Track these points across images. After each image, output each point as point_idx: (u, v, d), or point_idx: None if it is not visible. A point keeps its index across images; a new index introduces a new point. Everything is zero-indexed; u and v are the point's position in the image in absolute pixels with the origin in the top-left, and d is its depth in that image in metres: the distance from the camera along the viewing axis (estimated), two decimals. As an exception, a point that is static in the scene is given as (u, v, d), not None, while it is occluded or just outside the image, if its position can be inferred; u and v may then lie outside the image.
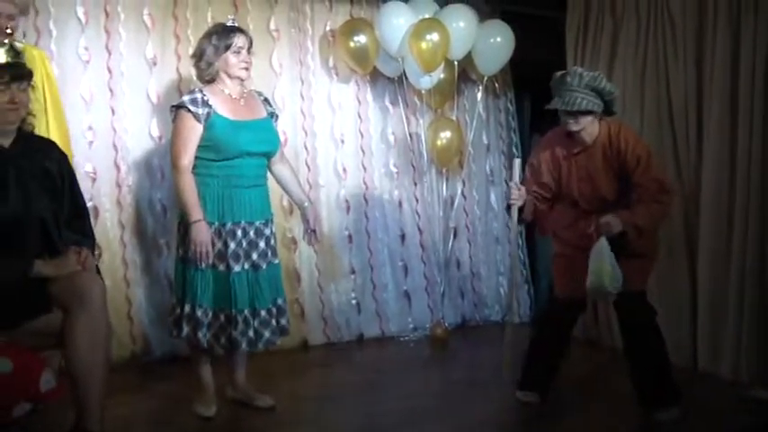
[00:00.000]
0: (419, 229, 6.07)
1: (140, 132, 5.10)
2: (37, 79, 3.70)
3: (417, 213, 6.06)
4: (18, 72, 3.31)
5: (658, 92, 5.10)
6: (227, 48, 4.03)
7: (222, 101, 4.02)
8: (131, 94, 5.07)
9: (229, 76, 4.07)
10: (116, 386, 3.59)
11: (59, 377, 3.17)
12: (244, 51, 4.06)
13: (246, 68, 4.09)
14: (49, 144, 3.60)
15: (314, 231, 4.33)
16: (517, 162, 4.11)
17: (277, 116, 4.31)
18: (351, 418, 4.14)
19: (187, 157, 3.94)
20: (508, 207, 4.10)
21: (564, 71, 3.95)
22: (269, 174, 4.25)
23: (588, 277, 3.84)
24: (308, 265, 5.63)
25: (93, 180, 4.91)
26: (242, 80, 4.11)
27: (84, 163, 4.88)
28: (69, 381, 3.15)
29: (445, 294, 6.01)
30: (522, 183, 4.09)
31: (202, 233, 3.88)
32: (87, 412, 3.13)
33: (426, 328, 5.90)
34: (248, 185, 4.03)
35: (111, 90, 5.01)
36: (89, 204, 4.56)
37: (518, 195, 4.01)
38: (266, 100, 4.29)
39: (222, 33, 4.07)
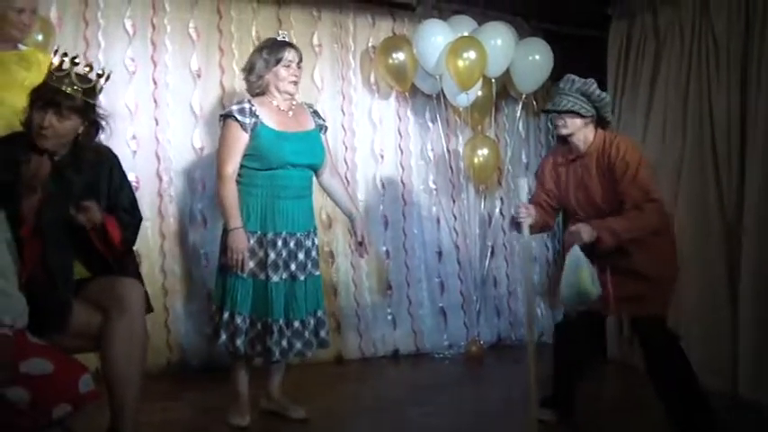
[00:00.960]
0: (456, 246, 6.06)
1: (183, 143, 5.16)
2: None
3: (455, 230, 6.05)
4: (56, 99, 3.20)
5: (701, 115, 5.05)
6: (278, 61, 4.09)
7: (270, 112, 4.07)
8: (175, 105, 5.14)
9: (278, 89, 4.11)
10: (151, 393, 3.62)
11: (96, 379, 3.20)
12: (294, 65, 4.12)
13: (295, 82, 4.14)
14: (105, 152, 3.53)
15: (362, 243, 4.34)
16: (524, 182, 4.07)
17: (326, 128, 4.33)
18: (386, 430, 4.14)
19: (231, 166, 3.98)
20: (516, 224, 4.02)
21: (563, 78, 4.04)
22: (316, 186, 4.27)
23: (562, 290, 3.80)
24: (345, 279, 5.65)
25: (136, 189, 4.91)
26: (290, 95, 4.15)
27: (127, 172, 4.89)
28: (105, 384, 3.17)
29: (481, 312, 5.99)
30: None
31: (239, 241, 3.92)
32: (121, 416, 3.16)
33: (462, 345, 5.88)
34: (292, 196, 4.05)
35: (155, 101, 5.08)
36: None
37: (526, 213, 3.96)
38: (315, 112, 4.32)
39: (273, 47, 4.14)
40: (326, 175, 4.32)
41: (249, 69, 4.16)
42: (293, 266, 4.05)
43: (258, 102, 4.08)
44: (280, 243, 4.02)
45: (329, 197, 4.47)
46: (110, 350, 3.16)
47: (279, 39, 4.23)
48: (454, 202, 6.06)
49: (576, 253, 3.74)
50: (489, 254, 6.04)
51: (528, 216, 3.96)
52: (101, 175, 3.44)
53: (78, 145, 3.32)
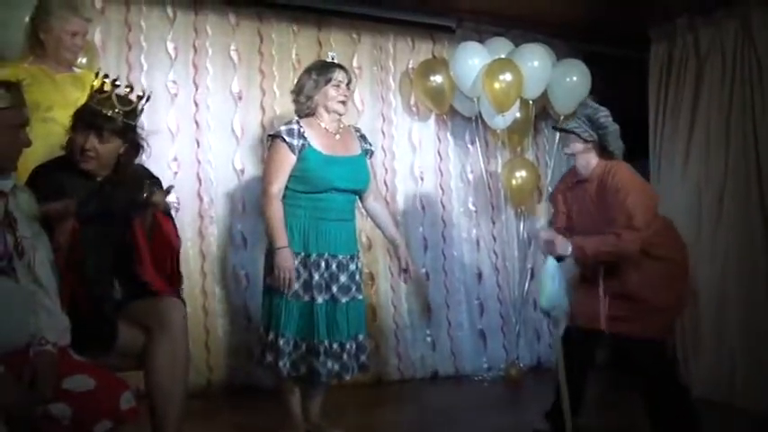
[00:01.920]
0: (496, 268, 6.03)
1: (224, 165, 5.20)
2: None
3: (494, 252, 6.03)
4: (97, 122, 3.25)
5: (744, 135, 5.01)
6: (328, 81, 4.10)
7: (318, 134, 4.08)
8: (216, 127, 5.19)
9: (327, 110, 4.12)
10: (191, 413, 3.62)
11: (137, 398, 3.22)
12: (343, 85, 4.12)
13: (344, 102, 4.14)
14: (146, 176, 3.57)
15: (406, 270, 4.33)
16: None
17: (372, 153, 4.32)
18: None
19: (277, 186, 3.99)
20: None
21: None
22: (359, 209, 4.29)
23: (539, 297, 3.95)
24: (385, 300, 5.64)
25: (177, 210, 5.00)
26: (339, 114, 4.15)
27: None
28: (148, 402, 3.20)
29: (521, 335, 5.94)
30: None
31: (286, 259, 3.92)
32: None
33: (501, 368, 5.83)
34: (334, 219, 4.04)
35: (196, 123, 5.14)
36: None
37: (552, 246, 3.92)
38: (363, 136, 4.31)
39: (323, 68, 4.17)
40: (371, 199, 4.31)
41: (298, 90, 4.18)
42: (335, 289, 4.03)
43: (306, 123, 4.09)
44: (322, 265, 4.02)
45: (372, 221, 4.46)
46: (153, 369, 3.18)
47: (328, 60, 4.26)
48: (494, 223, 6.04)
49: (550, 263, 3.85)
50: (529, 276, 5.99)
51: (554, 246, 3.91)
52: (136, 194, 3.48)
53: (120, 165, 3.36)
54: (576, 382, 4.13)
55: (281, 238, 3.94)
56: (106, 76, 3.34)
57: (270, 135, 4.18)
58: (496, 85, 5.37)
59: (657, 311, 3.89)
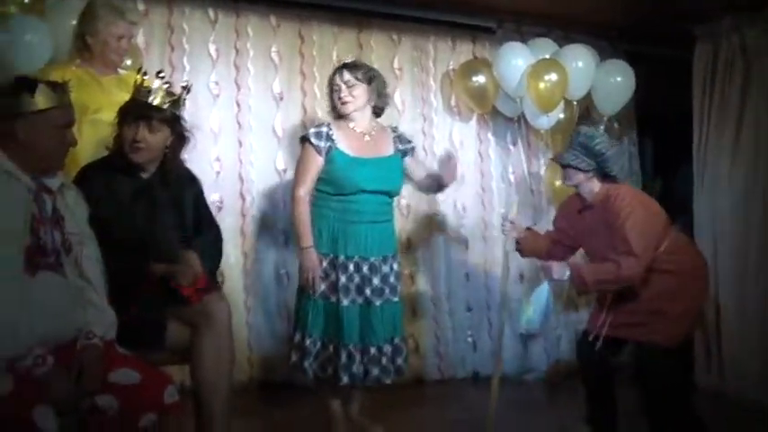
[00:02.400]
0: (537, 268, 5.99)
1: (266, 165, 5.25)
2: None
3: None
4: (146, 112, 3.35)
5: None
6: (330, 86, 4.17)
7: (346, 136, 4.09)
8: (258, 127, 5.23)
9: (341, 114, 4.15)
10: (232, 409, 3.65)
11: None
12: (344, 87, 4.09)
13: (347, 103, 4.11)
14: (187, 174, 3.68)
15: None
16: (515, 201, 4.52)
17: (409, 152, 4.31)
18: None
19: (304, 188, 4.02)
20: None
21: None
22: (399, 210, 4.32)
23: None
24: (425, 300, 5.63)
25: (219, 209, 5.06)
26: (346, 114, 4.13)
27: (211, 193, 5.02)
28: (194, 397, 3.25)
29: (562, 336, 5.90)
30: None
31: (311, 260, 3.95)
32: (210, 428, 3.24)
33: (542, 370, 5.79)
34: (365, 221, 4.05)
35: (238, 123, 5.18)
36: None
37: (510, 228, 4.34)
38: (399, 137, 4.29)
39: (331, 74, 4.20)
40: (419, 185, 4.41)
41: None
42: (368, 292, 4.03)
43: (336, 125, 4.11)
44: (351, 267, 4.02)
45: (425, 192, 4.59)
46: (199, 364, 3.24)
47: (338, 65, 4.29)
48: (535, 224, 5.98)
49: (542, 287, 3.96)
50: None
51: (513, 230, 4.33)
52: (186, 193, 3.54)
53: (166, 160, 3.42)
54: (600, 393, 4.12)
55: (307, 239, 3.97)
56: (146, 73, 3.43)
57: (301, 137, 4.20)
58: (541, 86, 5.34)
59: (662, 317, 3.84)
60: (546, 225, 5.85)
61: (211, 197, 5.02)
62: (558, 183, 5.75)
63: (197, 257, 3.37)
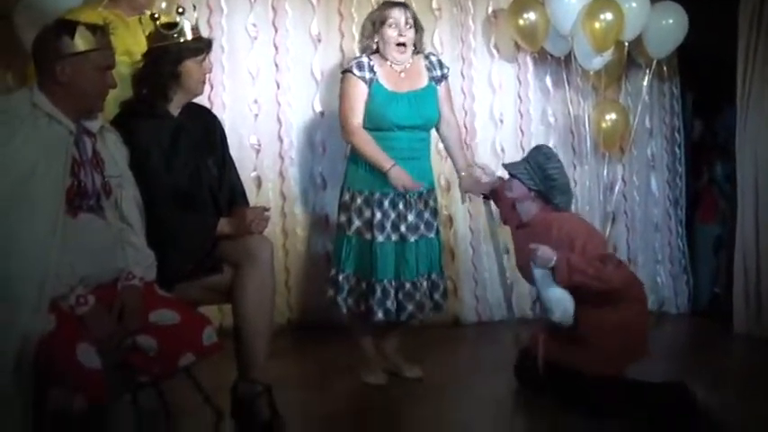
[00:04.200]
0: (577, 212, 5.95)
1: (304, 107, 5.24)
2: None
3: (576, 196, 5.94)
4: (207, 44, 3.45)
5: None
6: (383, 22, 4.06)
7: (385, 70, 4.08)
8: (296, 69, 5.21)
9: (386, 56, 4.10)
10: (272, 350, 3.71)
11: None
12: (402, 24, 4.04)
13: (403, 44, 4.06)
14: (208, 111, 3.76)
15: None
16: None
17: (443, 78, 4.24)
18: (501, 391, 4.16)
19: (357, 118, 4.02)
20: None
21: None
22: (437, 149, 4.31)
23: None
24: (463, 243, 5.62)
25: (258, 152, 5.08)
26: (398, 62, 4.09)
27: (249, 135, 5.08)
28: (235, 335, 3.30)
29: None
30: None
31: (400, 177, 3.91)
32: (252, 364, 3.29)
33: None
34: (401, 158, 4.01)
35: (276, 65, 5.17)
36: (253, 175, 4.97)
37: (480, 173, 4.31)
38: (432, 63, 4.22)
39: (380, 8, 4.16)
40: (443, 126, 4.27)
41: (361, 33, 4.22)
42: (403, 228, 4.05)
43: (375, 58, 4.10)
44: (386, 203, 4.04)
45: (445, 149, 4.48)
46: (242, 302, 3.27)
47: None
48: (575, 167, 5.93)
49: (535, 272, 3.68)
50: (610, 221, 5.90)
51: (483, 175, 4.28)
52: (211, 129, 3.58)
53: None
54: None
55: (385, 160, 3.95)
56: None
57: (342, 71, 4.19)
58: (597, 25, 5.18)
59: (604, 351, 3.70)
60: (586, 168, 5.82)
61: (250, 139, 5.07)
62: (604, 125, 5.66)
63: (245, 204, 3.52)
